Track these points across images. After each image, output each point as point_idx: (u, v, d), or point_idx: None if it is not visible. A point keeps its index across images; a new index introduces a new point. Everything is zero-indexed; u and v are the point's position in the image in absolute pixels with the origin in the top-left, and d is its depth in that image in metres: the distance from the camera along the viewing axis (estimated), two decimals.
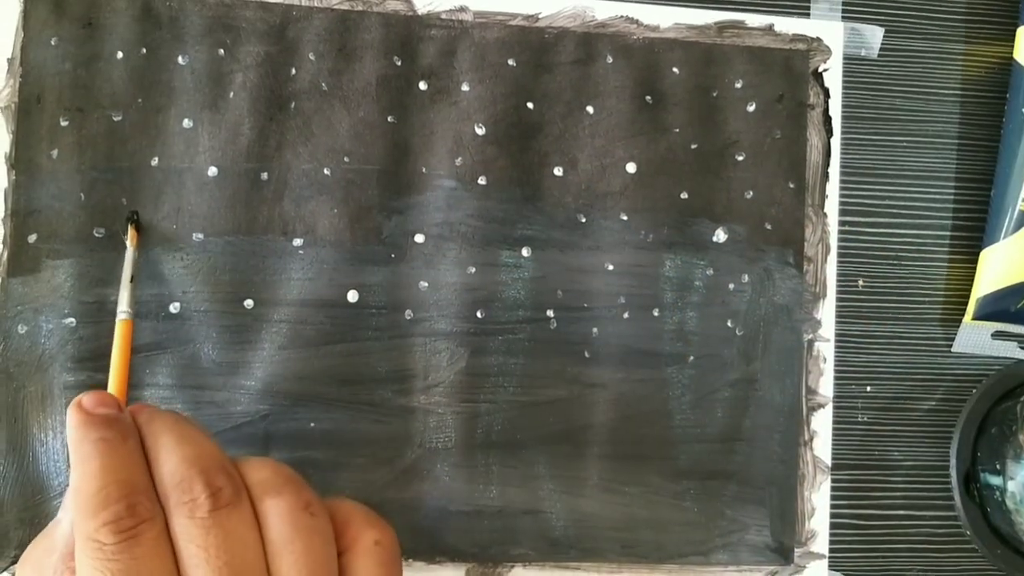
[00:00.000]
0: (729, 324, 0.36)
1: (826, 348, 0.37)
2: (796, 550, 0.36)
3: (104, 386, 0.33)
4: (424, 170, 0.35)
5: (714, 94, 0.37)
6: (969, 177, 0.38)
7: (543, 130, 0.36)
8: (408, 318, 0.34)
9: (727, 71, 0.37)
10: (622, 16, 0.36)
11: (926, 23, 0.39)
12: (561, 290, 0.35)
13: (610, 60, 0.36)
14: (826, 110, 0.37)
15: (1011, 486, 0.35)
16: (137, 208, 0.33)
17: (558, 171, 0.36)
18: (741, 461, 0.36)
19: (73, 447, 0.25)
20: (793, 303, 0.36)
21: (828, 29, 0.37)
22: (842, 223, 0.37)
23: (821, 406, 0.36)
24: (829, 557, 0.36)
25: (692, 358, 0.36)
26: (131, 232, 0.32)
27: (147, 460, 0.25)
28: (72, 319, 0.33)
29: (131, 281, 0.31)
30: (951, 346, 0.38)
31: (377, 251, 0.34)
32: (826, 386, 0.37)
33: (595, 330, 0.35)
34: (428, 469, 0.34)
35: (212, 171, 0.34)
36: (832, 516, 0.36)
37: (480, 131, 0.35)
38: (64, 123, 0.33)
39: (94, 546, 0.23)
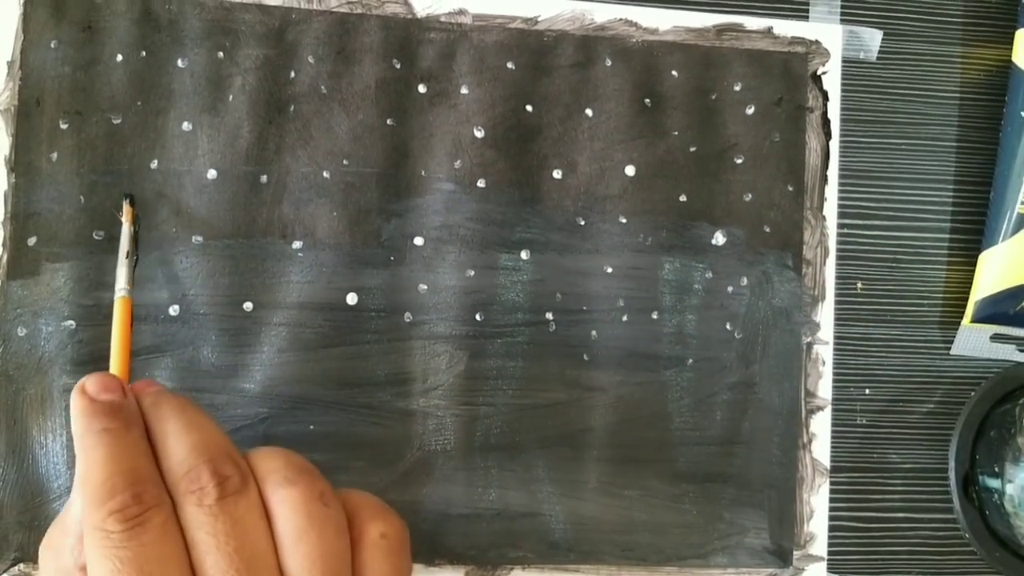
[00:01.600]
0: (728, 327, 0.36)
1: (825, 351, 0.37)
2: (795, 553, 0.36)
3: None
4: (423, 173, 0.35)
5: (713, 97, 0.37)
6: (968, 180, 0.39)
7: (542, 133, 0.36)
8: (407, 321, 0.34)
9: (726, 74, 0.37)
10: (621, 19, 0.36)
11: (925, 26, 0.39)
12: (560, 293, 0.35)
13: (609, 63, 0.36)
14: (825, 113, 0.37)
15: (1010, 489, 0.35)
16: (137, 211, 0.33)
17: (557, 174, 0.36)
18: (740, 464, 0.36)
19: (77, 437, 0.25)
20: (792, 306, 0.36)
21: (827, 32, 0.37)
22: (841, 226, 0.37)
23: (820, 409, 0.36)
24: (828, 560, 0.36)
25: (691, 361, 0.36)
26: (126, 208, 0.32)
27: (153, 447, 0.25)
28: (72, 322, 0.33)
29: (127, 258, 0.30)
30: (950, 349, 0.38)
31: (376, 254, 0.34)
32: (825, 389, 0.37)
33: (594, 333, 0.35)
34: (427, 472, 0.34)
35: (211, 174, 0.34)
36: (831, 519, 0.36)
37: (479, 134, 0.35)
38: (64, 126, 0.33)
39: (101, 535, 0.23)
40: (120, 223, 0.32)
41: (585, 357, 0.35)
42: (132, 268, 0.31)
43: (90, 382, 0.26)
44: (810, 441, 0.36)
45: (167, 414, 0.25)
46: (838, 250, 0.37)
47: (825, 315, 0.37)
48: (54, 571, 0.25)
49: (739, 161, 0.37)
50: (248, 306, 0.34)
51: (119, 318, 0.29)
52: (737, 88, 0.37)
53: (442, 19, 0.35)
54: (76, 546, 0.24)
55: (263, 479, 0.25)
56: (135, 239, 0.31)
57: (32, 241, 0.33)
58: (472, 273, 0.35)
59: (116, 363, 0.28)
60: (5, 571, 0.32)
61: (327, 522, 0.24)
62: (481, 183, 0.35)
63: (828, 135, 0.37)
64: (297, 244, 0.34)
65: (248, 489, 0.24)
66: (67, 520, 0.25)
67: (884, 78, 0.38)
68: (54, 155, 0.33)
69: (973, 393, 0.37)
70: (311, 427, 0.34)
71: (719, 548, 0.35)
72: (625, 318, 0.36)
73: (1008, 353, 0.38)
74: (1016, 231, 0.36)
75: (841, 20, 0.38)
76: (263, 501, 0.25)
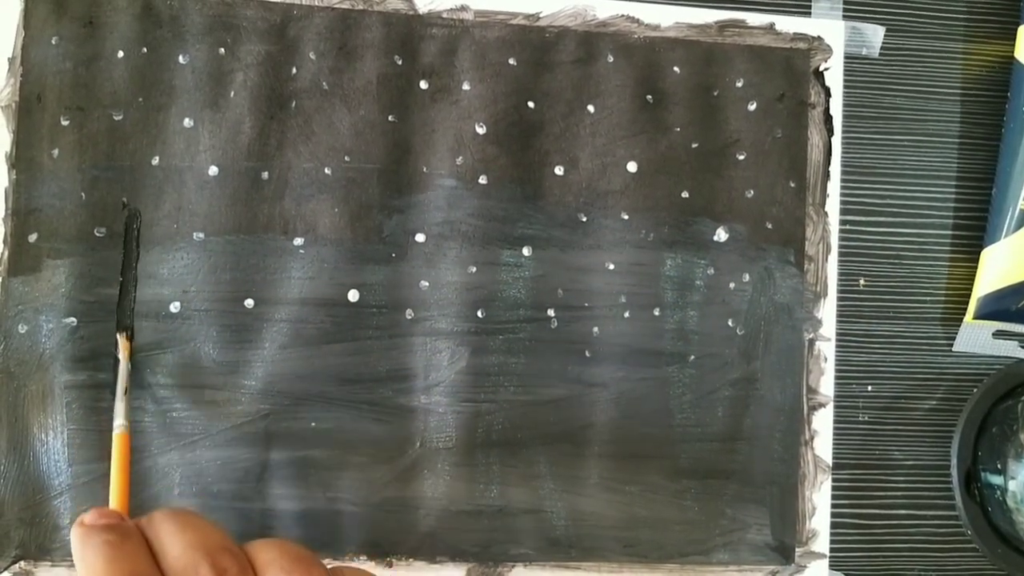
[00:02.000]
0: (730, 323, 0.36)
1: (827, 347, 0.37)
2: (797, 549, 0.36)
3: (102, 383, 0.33)
4: (425, 169, 0.35)
5: (715, 93, 0.37)
6: (970, 176, 0.38)
7: (544, 129, 0.36)
8: (409, 317, 0.34)
9: (728, 70, 0.37)
10: (623, 15, 0.36)
11: (927, 22, 0.39)
12: (562, 289, 0.35)
13: (611, 59, 0.36)
14: (827, 109, 0.37)
15: (1012, 485, 0.35)
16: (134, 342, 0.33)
17: (559, 170, 0.36)
18: (742, 460, 0.36)
19: (77, 557, 0.25)
20: (794, 302, 0.36)
21: (829, 28, 0.37)
22: (843, 222, 0.37)
23: (822, 405, 0.36)
24: (830, 556, 0.36)
25: (693, 357, 0.36)
26: (123, 343, 0.32)
27: (153, 555, 0.25)
28: (73, 318, 0.33)
29: (125, 394, 0.30)
30: (952, 345, 0.38)
31: (378, 250, 0.34)
32: (827, 385, 0.37)
33: (596, 329, 0.35)
34: (429, 468, 0.34)
35: (213, 170, 0.34)
36: (833, 515, 0.36)
37: (481, 130, 0.35)
38: (65, 122, 0.33)
39: None
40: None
41: (587, 353, 0.35)
42: (129, 403, 0.31)
43: (88, 515, 0.26)
44: (812, 437, 0.36)
45: (161, 519, 0.26)
46: (840, 246, 0.37)
47: (827, 311, 0.37)
48: None
49: (741, 157, 0.37)
50: (249, 302, 0.34)
51: (117, 454, 0.29)
52: (739, 84, 0.37)
53: (444, 15, 0.35)
54: None
55: (262, 570, 0.25)
56: (131, 375, 0.31)
57: (33, 237, 0.33)
58: (474, 269, 0.35)
59: (115, 499, 0.28)
60: (6, 568, 0.32)
61: None
62: (483, 179, 0.35)
63: (830, 131, 0.37)
64: (299, 240, 0.34)
65: None
66: None
67: (886, 74, 0.38)
68: (55, 151, 0.33)
69: (975, 390, 0.37)
70: (312, 424, 0.34)
71: (721, 544, 0.35)
72: (627, 314, 0.35)
73: (1010, 350, 0.38)
74: (1018, 227, 0.36)
75: (843, 16, 0.38)
76: None
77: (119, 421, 0.29)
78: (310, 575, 0.25)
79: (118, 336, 0.32)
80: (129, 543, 0.25)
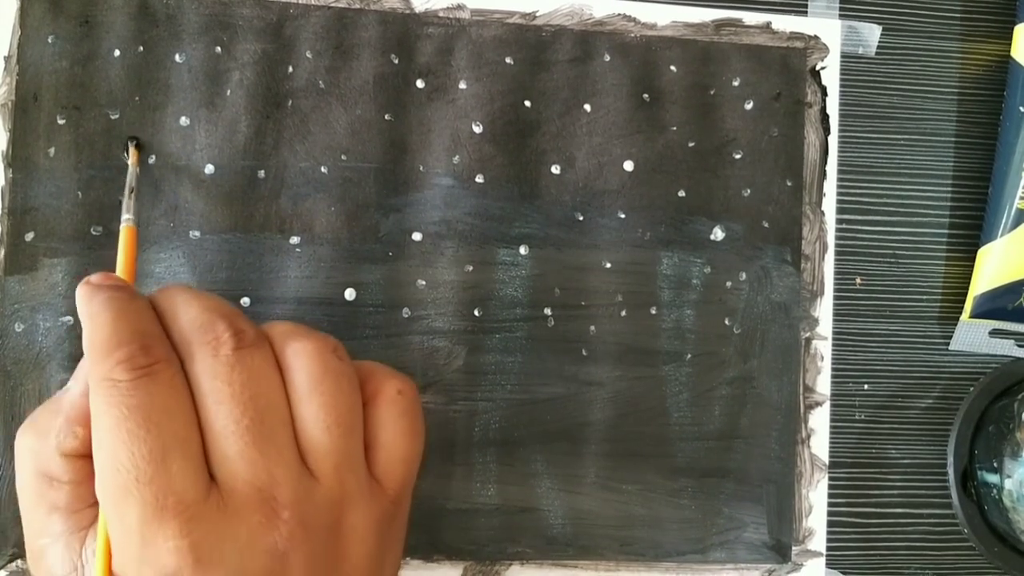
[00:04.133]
0: (727, 322, 0.36)
1: (823, 346, 0.37)
2: (793, 548, 0.36)
3: None
4: (422, 168, 0.35)
5: (711, 92, 0.37)
6: (966, 175, 0.39)
7: (540, 128, 0.36)
8: (405, 316, 0.34)
9: (724, 69, 0.37)
10: (619, 14, 0.36)
11: (924, 21, 0.39)
12: (559, 288, 0.35)
13: (607, 58, 0.36)
14: (823, 108, 0.37)
15: (1008, 484, 0.35)
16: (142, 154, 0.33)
17: (556, 169, 0.36)
18: (739, 459, 0.36)
19: (82, 309, 0.24)
20: (791, 301, 0.36)
21: (826, 27, 0.37)
22: (839, 221, 0.37)
23: (818, 404, 0.36)
24: (826, 555, 0.36)
25: (689, 356, 0.36)
26: (132, 150, 0.32)
27: (162, 320, 0.24)
28: (69, 317, 0.33)
29: (131, 193, 0.30)
30: (948, 344, 0.38)
31: (374, 249, 0.34)
32: (823, 384, 0.37)
33: (592, 328, 0.35)
34: (425, 467, 0.34)
35: (209, 169, 0.34)
36: (829, 514, 0.36)
37: (477, 129, 0.35)
38: (61, 121, 0.33)
39: (108, 384, 0.22)
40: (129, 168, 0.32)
41: (584, 352, 0.35)
42: (136, 201, 0.31)
43: (94, 275, 0.25)
44: (809, 436, 0.36)
45: (174, 291, 0.25)
46: (837, 245, 0.37)
47: (824, 310, 0.37)
48: (31, 453, 0.24)
49: (738, 156, 0.37)
50: (246, 301, 0.34)
51: (124, 246, 0.28)
52: (736, 83, 0.37)
53: (440, 14, 0.35)
54: (65, 427, 0.23)
55: (276, 337, 0.24)
56: (139, 176, 0.32)
57: (30, 236, 0.33)
58: (470, 268, 0.35)
59: (122, 270, 0.28)
60: (3, 567, 0.32)
61: (341, 374, 0.24)
62: (479, 178, 0.35)
63: (827, 130, 0.37)
64: (295, 239, 0.34)
65: (263, 342, 0.24)
66: (61, 401, 0.24)
67: (883, 73, 0.38)
68: (52, 150, 0.33)
69: (972, 388, 0.37)
70: None
71: (717, 543, 0.35)
72: (624, 313, 0.35)
73: (1007, 348, 0.38)
74: (1015, 226, 0.36)
75: (840, 15, 0.38)
76: (276, 358, 0.24)
77: (126, 216, 0.29)
78: (327, 341, 0.24)
79: (128, 144, 0.32)
80: (136, 302, 0.24)
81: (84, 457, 0.24)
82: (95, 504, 0.24)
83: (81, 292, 0.25)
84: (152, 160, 0.34)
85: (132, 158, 0.32)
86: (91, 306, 0.24)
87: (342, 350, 0.25)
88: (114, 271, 0.33)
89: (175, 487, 0.22)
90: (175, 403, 0.22)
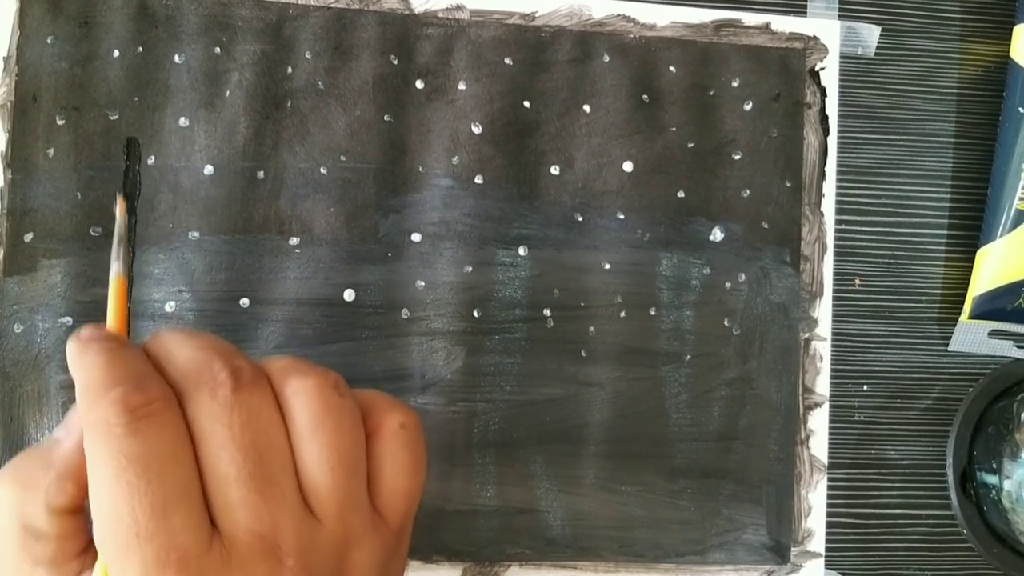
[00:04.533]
0: (726, 323, 0.36)
1: (823, 347, 0.37)
2: (793, 549, 0.36)
3: None
4: (421, 169, 0.35)
5: (711, 93, 0.37)
6: (966, 176, 0.39)
7: (540, 129, 0.36)
8: (404, 317, 0.34)
9: (724, 70, 0.37)
10: (619, 15, 0.36)
11: (923, 22, 0.39)
12: (558, 289, 0.35)
13: (607, 59, 0.36)
14: (823, 109, 0.37)
15: (1007, 485, 0.35)
16: (134, 204, 0.32)
17: (555, 170, 0.36)
18: (738, 460, 0.36)
19: (74, 366, 0.23)
20: (790, 302, 0.36)
21: (825, 28, 0.37)
22: (839, 222, 0.37)
23: (818, 405, 0.36)
24: (826, 556, 0.36)
25: (689, 357, 0.36)
26: (120, 200, 0.30)
27: (157, 366, 0.23)
28: (68, 318, 0.33)
29: (120, 242, 0.28)
30: (947, 345, 0.38)
31: (374, 250, 0.34)
32: (823, 385, 0.37)
33: (592, 329, 0.35)
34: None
35: (208, 170, 0.34)
36: (829, 515, 0.36)
37: (477, 130, 0.35)
38: (60, 122, 0.33)
39: (103, 428, 0.21)
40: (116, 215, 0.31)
41: (583, 353, 0.35)
42: (127, 251, 0.29)
43: (84, 329, 0.24)
44: (808, 437, 0.36)
45: (166, 334, 0.24)
46: (836, 246, 0.37)
47: (823, 311, 0.37)
48: (14, 505, 0.23)
49: (737, 157, 0.37)
50: (245, 302, 0.34)
51: (114, 298, 0.26)
52: (735, 84, 0.37)
53: (439, 15, 0.35)
54: (56, 483, 0.22)
55: (274, 374, 0.24)
56: (129, 227, 0.30)
57: (29, 237, 0.33)
58: (470, 269, 0.35)
59: (112, 322, 0.26)
60: None
61: (343, 412, 0.23)
62: (479, 179, 0.35)
63: (826, 131, 0.37)
64: (294, 240, 0.34)
65: (261, 381, 0.23)
66: (52, 454, 0.23)
67: (882, 74, 0.38)
68: (51, 151, 0.33)
69: (971, 389, 0.37)
70: None
71: (717, 544, 0.35)
72: (623, 314, 0.35)
73: (1006, 349, 0.38)
74: (1014, 227, 0.36)
75: (839, 16, 0.38)
76: (276, 396, 0.23)
77: (115, 267, 0.27)
78: (327, 377, 0.24)
79: (117, 196, 0.30)
80: (128, 349, 0.23)
81: (72, 512, 0.23)
82: (81, 554, 0.23)
83: (72, 346, 0.23)
84: (151, 161, 0.34)
85: (119, 206, 0.30)
86: (82, 358, 0.23)
87: (343, 385, 0.24)
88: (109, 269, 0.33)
89: (178, 541, 0.21)
90: (175, 449, 0.21)
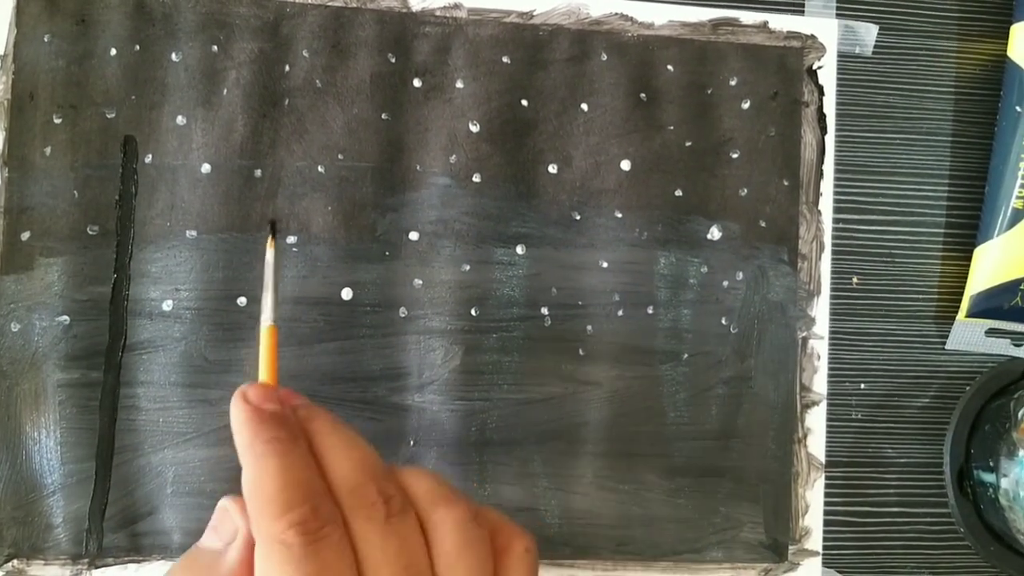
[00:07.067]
0: (723, 321, 0.36)
1: (820, 345, 0.37)
2: (790, 547, 0.36)
3: (95, 382, 0.33)
4: (418, 167, 0.35)
5: (708, 91, 0.37)
6: (963, 174, 0.39)
7: (537, 127, 0.36)
8: (402, 316, 0.34)
9: (721, 68, 0.37)
10: (616, 13, 0.36)
11: (920, 20, 0.39)
12: (555, 288, 0.35)
13: (604, 57, 0.36)
14: (820, 107, 0.37)
15: (1004, 483, 0.35)
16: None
17: (552, 168, 0.36)
18: (735, 458, 0.36)
19: (245, 446, 0.24)
20: (787, 300, 0.36)
21: (822, 27, 0.37)
22: (836, 220, 0.37)
23: (815, 403, 0.36)
24: (823, 554, 0.36)
25: (686, 355, 0.36)
26: (270, 240, 0.30)
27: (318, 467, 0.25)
28: (66, 317, 0.33)
29: (272, 290, 0.29)
30: (945, 343, 0.38)
31: (371, 248, 0.34)
32: (820, 383, 0.37)
33: (589, 327, 0.35)
34: (422, 467, 0.34)
35: (205, 168, 0.34)
36: (826, 513, 0.36)
37: (474, 128, 0.35)
38: (57, 120, 0.33)
39: (280, 548, 0.22)
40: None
41: (580, 352, 0.35)
42: (276, 299, 0.29)
43: (252, 390, 0.25)
44: (805, 436, 0.36)
45: (324, 428, 0.26)
46: (833, 245, 0.37)
47: (820, 310, 0.37)
48: None
49: (735, 156, 0.37)
50: (242, 301, 0.34)
51: (265, 347, 0.28)
52: (733, 83, 0.37)
53: (437, 13, 0.35)
54: None
55: (418, 498, 0.25)
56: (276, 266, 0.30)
57: (26, 236, 0.33)
58: (467, 268, 0.35)
59: (266, 374, 0.27)
60: (0, 566, 0.32)
61: (482, 542, 0.25)
62: (476, 178, 0.35)
63: (824, 130, 0.37)
64: (292, 239, 0.34)
65: (408, 509, 0.25)
66: (218, 568, 0.25)
67: (879, 73, 0.38)
68: (48, 149, 0.33)
69: (968, 388, 0.37)
70: None
71: (714, 543, 0.36)
72: (620, 313, 0.35)
73: (1003, 348, 0.38)
74: (1011, 226, 0.37)
75: (837, 15, 0.38)
76: (419, 520, 0.25)
77: (265, 315, 0.28)
78: (469, 508, 0.25)
79: (268, 239, 0.30)
80: (299, 448, 0.24)
81: None
82: None
83: (240, 410, 0.25)
84: (149, 159, 0.34)
85: (269, 247, 0.30)
86: (254, 447, 0.24)
87: (480, 515, 0.26)
88: (113, 270, 0.33)
89: None
90: (343, 568, 0.23)
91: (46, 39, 0.33)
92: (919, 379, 0.38)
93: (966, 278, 0.37)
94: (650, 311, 0.36)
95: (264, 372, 0.27)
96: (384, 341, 0.34)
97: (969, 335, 0.38)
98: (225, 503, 0.25)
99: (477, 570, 0.25)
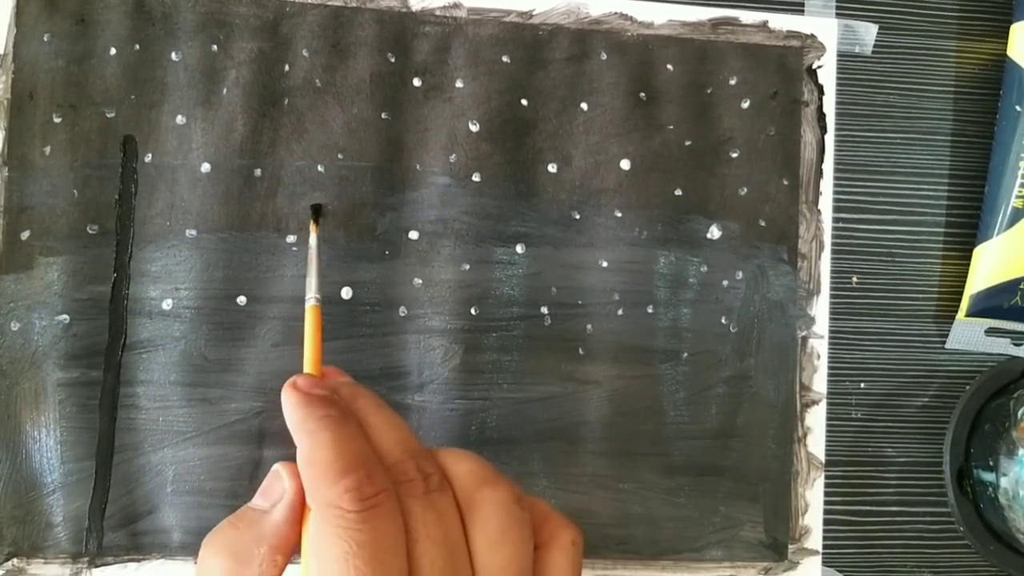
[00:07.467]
0: (723, 321, 0.36)
1: (820, 345, 0.37)
2: (790, 546, 0.36)
3: (94, 381, 0.33)
4: (418, 167, 0.35)
5: (708, 91, 0.37)
6: (963, 174, 0.39)
7: (537, 127, 0.36)
8: (402, 315, 0.34)
9: (721, 68, 0.37)
10: (616, 13, 0.36)
11: (920, 20, 0.39)
12: (555, 287, 0.35)
13: (604, 57, 0.36)
14: (820, 107, 0.37)
15: (1004, 482, 0.35)
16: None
17: (552, 168, 0.36)
18: (735, 457, 0.36)
19: (298, 424, 0.25)
20: (787, 300, 0.36)
21: (822, 26, 0.37)
22: (836, 220, 0.37)
23: (815, 402, 0.36)
24: (823, 553, 0.36)
25: (686, 355, 0.36)
26: (312, 225, 0.32)
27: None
28: (65, 316, 0.33)
29: (315, 269, 0.30)
30: (944, 343, 0.38)
31: (371, 248, 0.34)
32: (820, 382, 0.37)
33: (589, 327, 0.35)
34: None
35: (205, 167, 0.34)
36: (826, 512, 0.36)
37: (474, 128, 0.35)
38: (57, 120, 0.33)
39: (336, 513, 0.22)
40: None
41: (580, 351, 0.35)
42: (320, 278, 0.30)
43: (301, 379, 0.26)
44: (805, 435, 0.36)
45: (369, 407, 0.26)
46: (833, 244, 0.37)
47: (820, 309, 0.37)
48: (224, 575, 0.24)
49: (734, 155, 0.37)
50: (242, 300, 0.34)
51: (310, 326, 0.29)
52: (732, 82, 0.37)
53: (437, 12, 0.35)
54: (268, 556, 0.24)
55: (455, 478, 0.25)
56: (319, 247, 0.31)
57: (25, 235, 0.33)
58: (467, 267, 0.35)
59: (309, 370, 0.28)
60: (0, 564, 0.32)
61: (524, 525, 0.25)
62: (476, 177, 0.35)
63: (823, 129, 0.37)
64: (291, 238, 0.34)
65: (446, 487, 0.25)
66: (262, 526, 0.24)
67: (879, 72, 0.38)
68: (47, 149, 0.33)
69: (968, 387, 0.37)
70: None
71: (714, 541, 0.36)
72: (620, 312, 0.36)
73: (1003, 347, 0.38)
74: (1011, 225, 0.37)
75: (836, 14, 0.38)
76: (457, 500, 0.25)
77: (310, 294, 0.29)
78: (512, 489, 0.25)
79: (311, 224, 0.32)
80: (350, 423, 0.25)
81: None
82: None
83: (292, 399, 0.25)
84: (148, 158, 0.34)
85: (313, 231, 0.31)
86: (307, 423, 0.24)
87: (523, 498, 0.26)
88: (113, 269, 0.33)
89: None
90: (397, 539, 0.23)
91: (46, 39, 0.33)
92: (919, 378, 0.38)
93: (966, 277, 0.37)
94: (650, 310, 0.36)
95: (308, 348, 0.28)
96: (384, 340, 0.34)
97: (969, 334, 0.38)
98: (278, 467, 0.25)
99: (520, 552, 0.24)
